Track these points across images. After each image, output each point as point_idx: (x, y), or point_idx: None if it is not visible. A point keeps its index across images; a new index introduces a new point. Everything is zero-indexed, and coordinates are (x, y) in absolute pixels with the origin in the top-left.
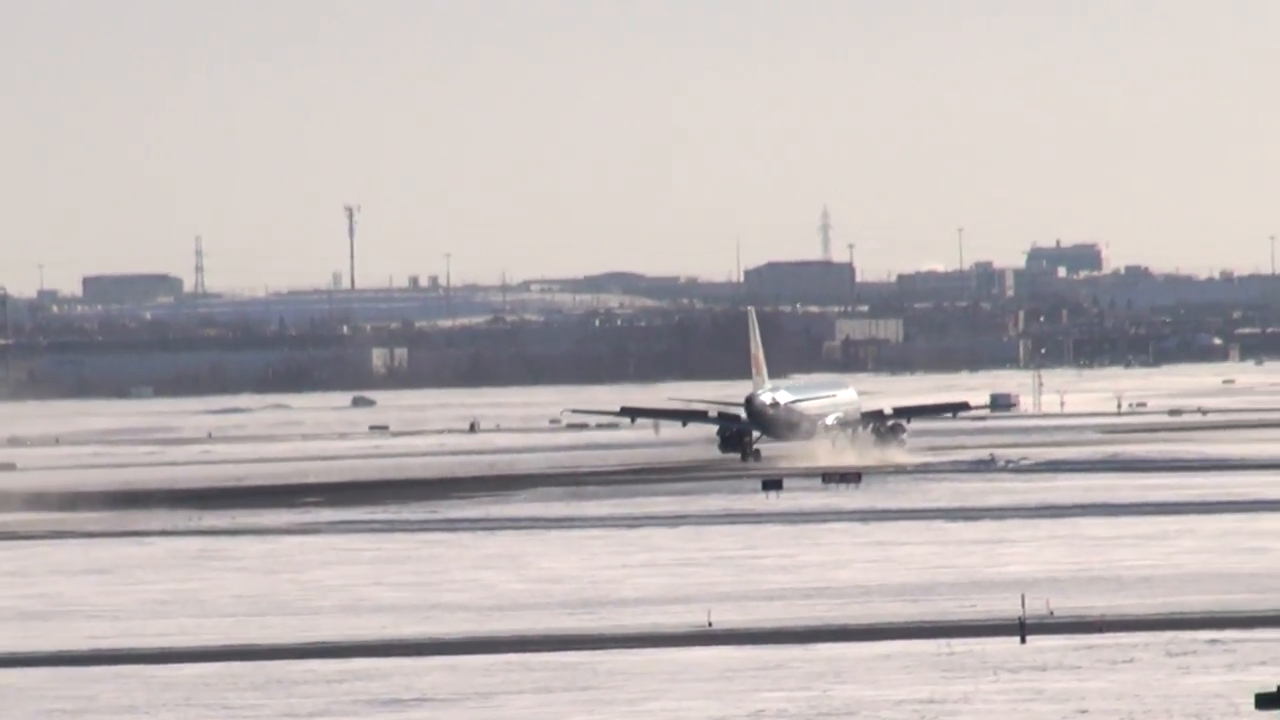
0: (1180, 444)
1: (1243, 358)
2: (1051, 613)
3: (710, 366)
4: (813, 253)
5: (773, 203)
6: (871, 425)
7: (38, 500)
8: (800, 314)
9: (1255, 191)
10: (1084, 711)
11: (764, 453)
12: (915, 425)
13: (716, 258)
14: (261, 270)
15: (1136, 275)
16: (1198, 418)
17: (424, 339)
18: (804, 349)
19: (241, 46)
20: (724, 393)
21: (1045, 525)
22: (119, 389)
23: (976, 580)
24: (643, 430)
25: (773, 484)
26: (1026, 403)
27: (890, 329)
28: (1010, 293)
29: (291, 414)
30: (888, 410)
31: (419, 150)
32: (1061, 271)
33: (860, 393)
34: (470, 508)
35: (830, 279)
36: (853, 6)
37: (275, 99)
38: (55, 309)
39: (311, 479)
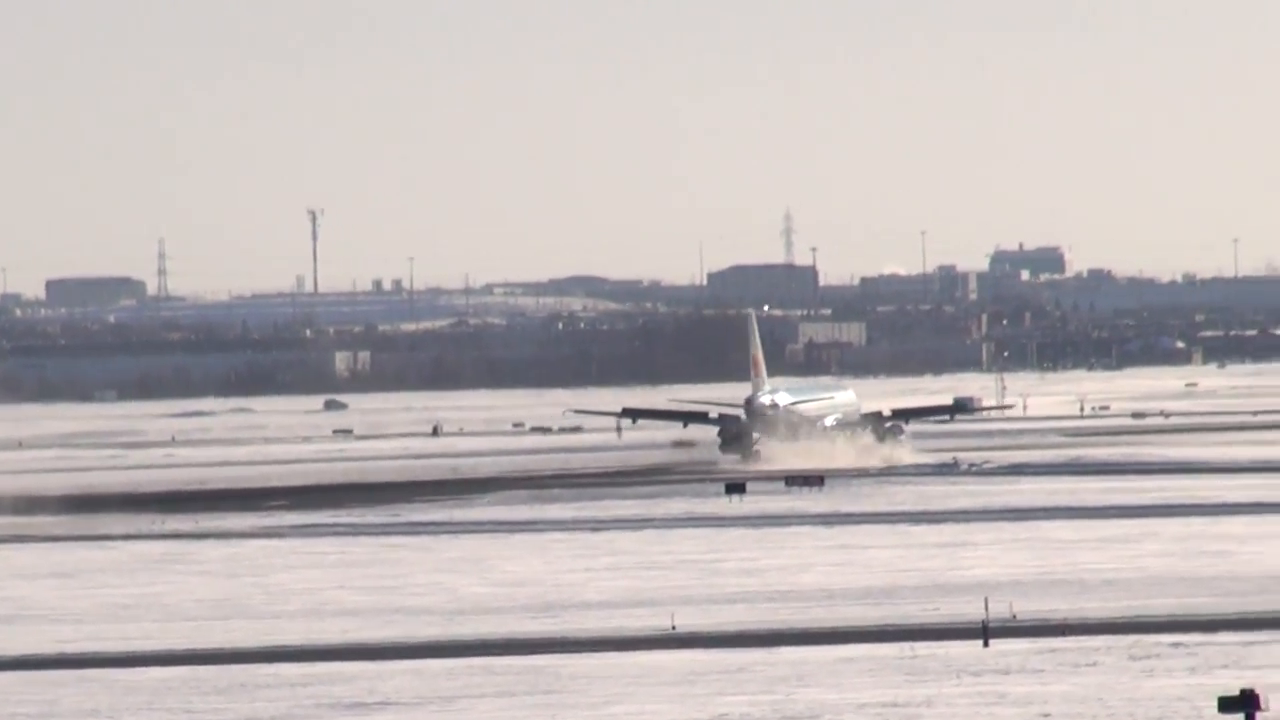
0: (1143, 447)
1: (1205, 361)
2: (1014, 616)
3: (674, 370)
4: (775, 256)
5: (736, 206)
6: (870, 427)
7: (0, 504)
8: (763, 317)
9: (1218, 195)
10: (1047, 715)
11: (763, 454)
12: (911, 427)
13: (679, 261)
14: (225, 274)
15: (1099, 278)
16: (1160, 421)
17: (387, 342)
18: (767, 352)
19: (205, 51)
20: (691, 396)
21: (1008, 528)
22: (82, 392)
23: (940, 583)
24: (606, 433)
25: (736, 487)
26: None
27: (853, 332)
28: (973, 296)
29: (255, 417)
30: (886, 412)
31: (382, 154)
32: (1024, 274)
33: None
34: (433, 511)
35: (793, 282)
36: (816, 12)
37: (238, 103)
38: (18, 312)
39: (275, 483)
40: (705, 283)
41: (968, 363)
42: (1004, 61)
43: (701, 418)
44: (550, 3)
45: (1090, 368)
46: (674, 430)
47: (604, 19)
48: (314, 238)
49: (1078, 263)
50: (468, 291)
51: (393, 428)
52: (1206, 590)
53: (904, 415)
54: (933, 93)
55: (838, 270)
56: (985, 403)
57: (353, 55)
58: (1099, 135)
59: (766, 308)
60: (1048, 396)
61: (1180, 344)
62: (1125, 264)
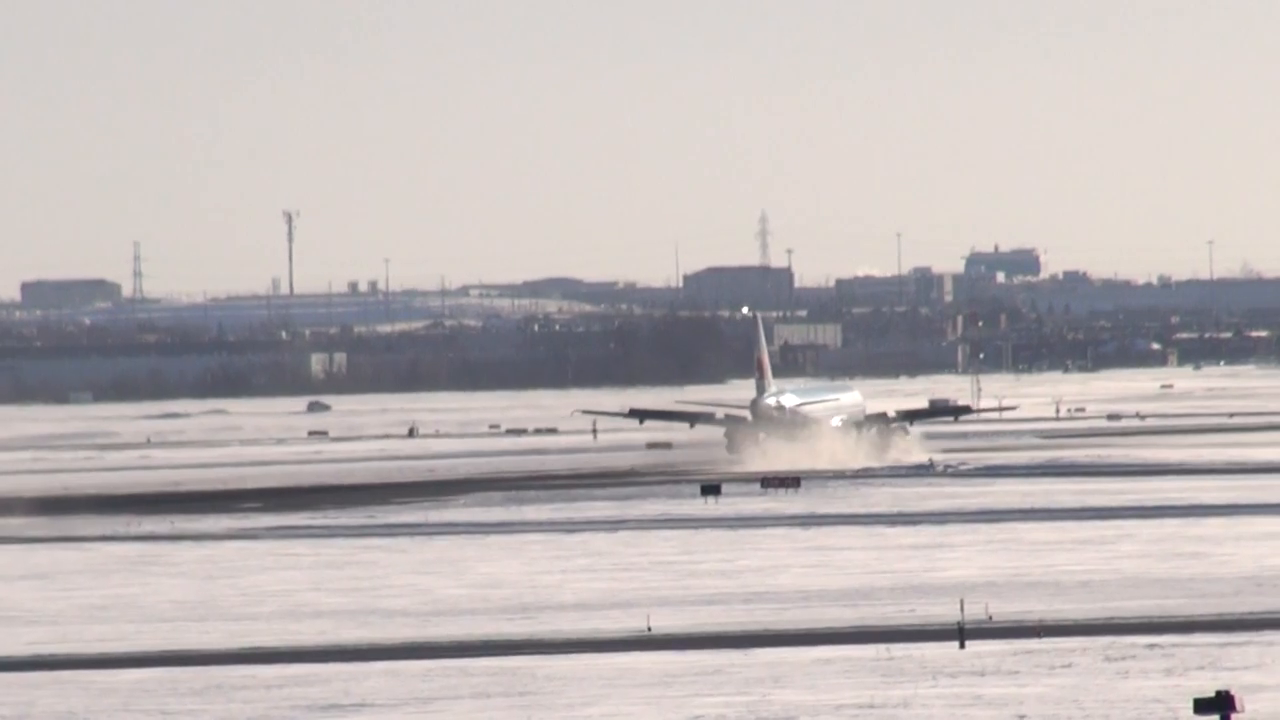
0: (1118, 449)
1: (1181, 363)
2: (990, 617)
3: (649, 372)
4: (751, 258)
5: (711, 208)
6: (875, 428)
7: None
8: (738, 319)
9: (1193, 197)
10: (1023, 716)
11: (769, 454)
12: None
13: (655, 263)
14: (200, 276)
15: (1075, 280)
16: (1136, 423)
17: (363, 344)
18: (742, 354)
19: (180, 54)
20: (669, 399)
21: (984, 530)
22: (58, 394)
23: (916, 585)
24: (582, 435)
25: (711, 489)
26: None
27: (829, 334)
28: (949, 298)
29: (230, 419)
30: (891, 413)
31: (357, 156)
32: (1000, 277)
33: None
34: (409, 513)
35: (768, 284)
36: (792, 15)
37: (214, 105)
38: None
39: (250, 484)
40: (681, 285)
41: (943, 365)
42: (980, 65)
43: (708, 419)
44: (526, 6)
45: (1066, 370)
46: (651, 433)
47: (580, 22)
48: (290, 240)
49: (1053, 265)
50: (443, 293)
51: (368, 429)
52: (1182, 592)
53: (909, 416)
54: (908, 95)
55: (813, 272)
56: (961, 403)
57: (328, 58)
58: (1074, 138)
59: (747, 309)
60: (1023, 398)
61: (1155, 346)
62: (1100, 266)
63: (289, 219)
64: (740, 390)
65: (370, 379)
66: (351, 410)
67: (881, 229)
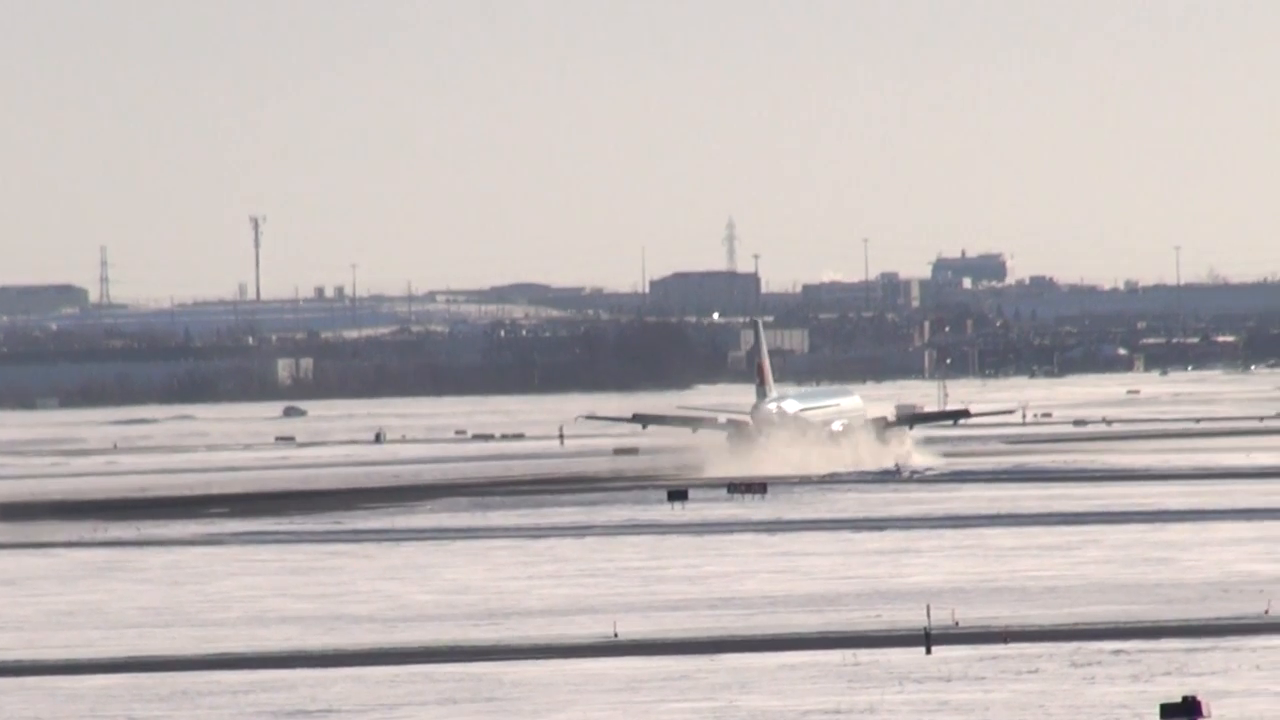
0: (1085, 454)
1: (1147, 368)
2: (957, 623)
3: (616, 378)
4: (718, 263)
5: (678, 214)
6: (876, 432)
7: None
8: (705, 324)
9: (1160, 203)
10: None
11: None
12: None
13: (622, 268)
14: (167, 281)
15: (1041, 286)
16: (1102, 428)
17: (330, 349)
18: (709, 359)
19: (146, 58)
20: (638, 405)
21: (951, 535)
22: (24, 400)
23: (882, 590)
24: (549, 440)
25: (678, 495)
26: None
27: (795, 339)
28: (915, 303)
29: (197, 424)
30: (891, 418)
31: (324, 161)
32: (966, 282)
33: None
34: (375, 519)
35: (735, 289)
36: (759, 21)
37: (181, 110)
38: None
39: (217, 490)
40: (647, 290)
41: (910, 370)
42: (946, 71)
43: (710, 424)
44: (492, 12)
45: (1032, 375)
46: (619, 438)
47: (546, 28)
48: (256, 245)
49: (1020, 270)
50: (410, 299)
51: (335, 435)
52: (1148, 597)
53: (908, 420)
54: (875, 101)
55: (780, 277)
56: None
57: (295, 63)
58: (1040, 143)
59: (717, 315)
60: (990, 404)
61: (1122, 351)
62: (1067, 271)
63: (256, 224)
64: (707, 396)
65: (337, 384)
66: (318, 416)
67: (848, 234)
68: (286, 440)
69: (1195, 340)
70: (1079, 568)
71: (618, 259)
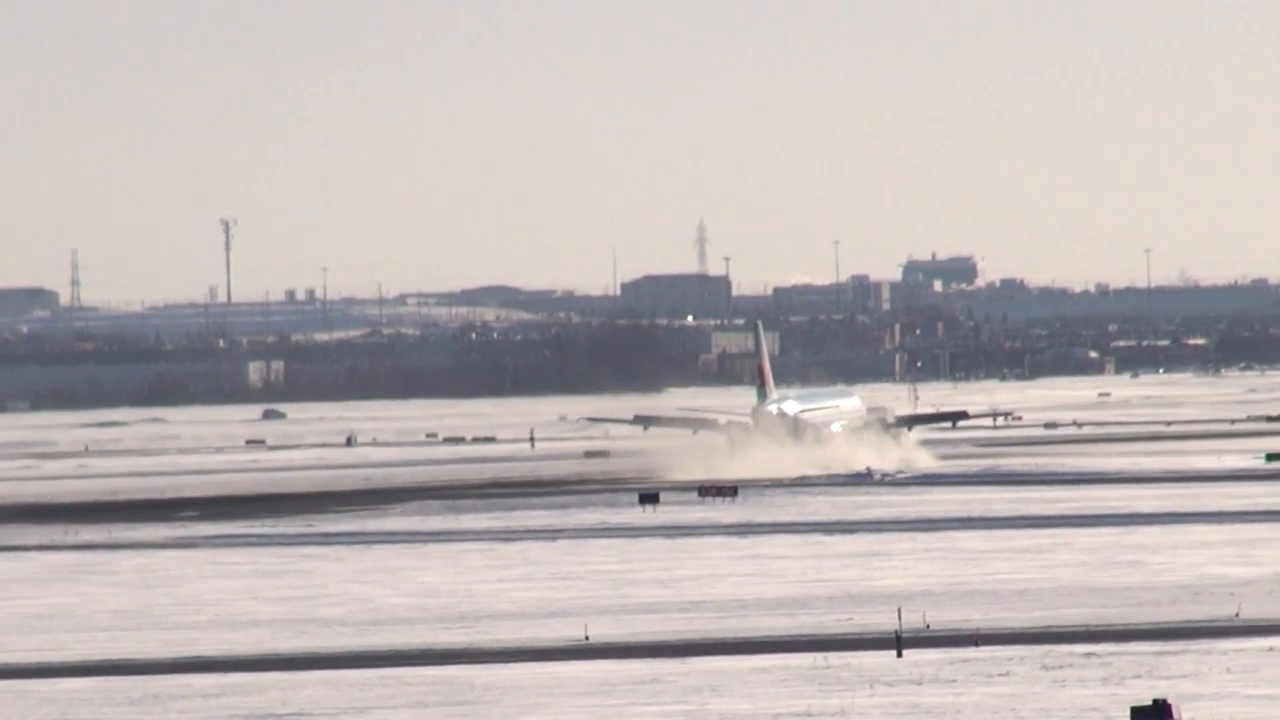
0: (1056, 457)
1: (1118, 371)
2: (928, 626)
3: (587, 380)
4: (689, 266)
5: (649, 216)
6: (874, 433)
7: None
8: (676, 327)
9: (1130, 205)
10: None
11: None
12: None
13: (593, 271)
14: (138, 284)
15: (1012, 288)
16: (1073, 431)
17: (301, 352)
18: (680, 362)
19: (116, 60)
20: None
21: (922, 538)
22: None
23: (853, 593)
24: (520, 443)
25: (649, 498)
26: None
27: (765, 342)
28: (886, 306)
29: (168, 428)
30: (890, 419)
31: (295, 164)
32: (937, 285)
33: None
34: (347, 522)
35: (706, 292)
36: (728, 22)
37: (151, 112)
38: None
39: (188, 493)
40: (619, 293)
41: (880, 373)
42: (917, 74)
43: (711, 425)
44: (461, 15)
45: (1003, 378)
46: (590, 441)
47: (516, 32)
48: (227, 248)
49: (990, 273)
50: (381, 301)
51: (306, 438)
52: (1119, 600)
53: (908, 422)
54: (845, 103)
55: (751, 280)
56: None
57: (265, 66)
58: (1011, 145)
59: (691, 318)
60: (961, 407)
61: (1093, 354)
62: (1038, 274)
63: (226, 227)
64: (678, 399)
65: (308, 388)
66: (292, 418)
67: (819, 237)
68: (257, 443)
69: (1166, 343)
70: (1050, 570)
71: (589, 261)
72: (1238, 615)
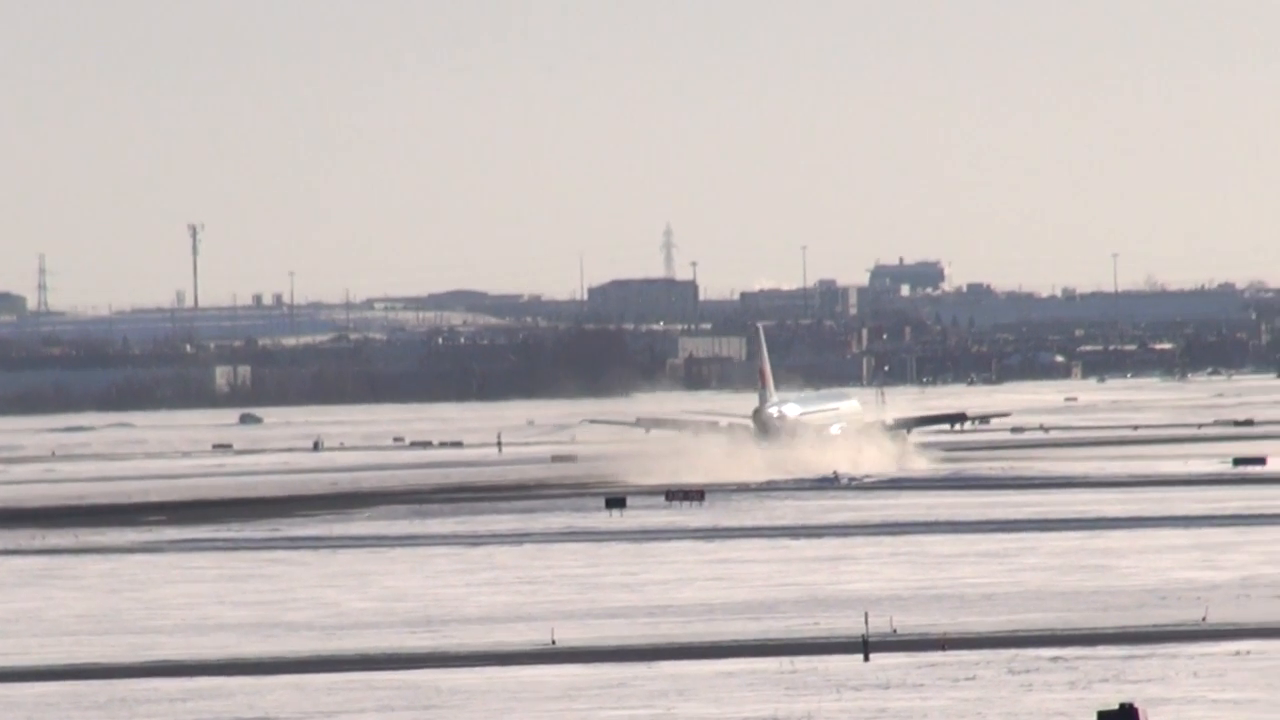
0: (1023, 461)
1: (1085, 375)
2: (895, 630)
3: (555, 385)
4: (656, 270)
5: (616, 220)
6: (876, 436)
7: None
8: (643, 332)
9: (1097, 210)
10: None
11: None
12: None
13: (560, 275)
14: (105, 289)
15: (979, 293)
16: (1040, 435)
17: (268, 357)
18: (647, 367)
19: (83, 63)
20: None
21: (888, 542)
22: None
23: (820, 598)
24: (487, 448)
25: (616, 502)
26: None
27: (733, 347)
28: (853, 310)
29: (135, 432)
30: (889, 422)
31: (262, 168)
32: (904, 289)
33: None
34: (313, 526)
35: (673, 297)
36: (695, 27)
37: (118, 116)
38: None
39: (154, 498)
40: (585, 297)
41: (847, 377)
42: (882, 78)
43: (712, 428)
44: (428, 18)
45: (970, 382)
46: (557, 446)
47: (482, 34)
48: (194, 252)
49: (957, 277)
50: (348, 306)
51: (273, 442)
52: (1085, 604)
53: (906, 424)
54: (812, 107)
55: (718, 285)
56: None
57: (231, 70)
58: (977, 150)
59: (663, 323)
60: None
61: (1060, 358)
62: (1005, 279)
63: (193, 232)
64: (645, 404)
65: (275, 392)
66: (265, 423)
67: (786, 242)
68: (224, 448)
69: (1133, 347)
70: (1017, 575)
71: (556, 266)
72: (1204, 619)
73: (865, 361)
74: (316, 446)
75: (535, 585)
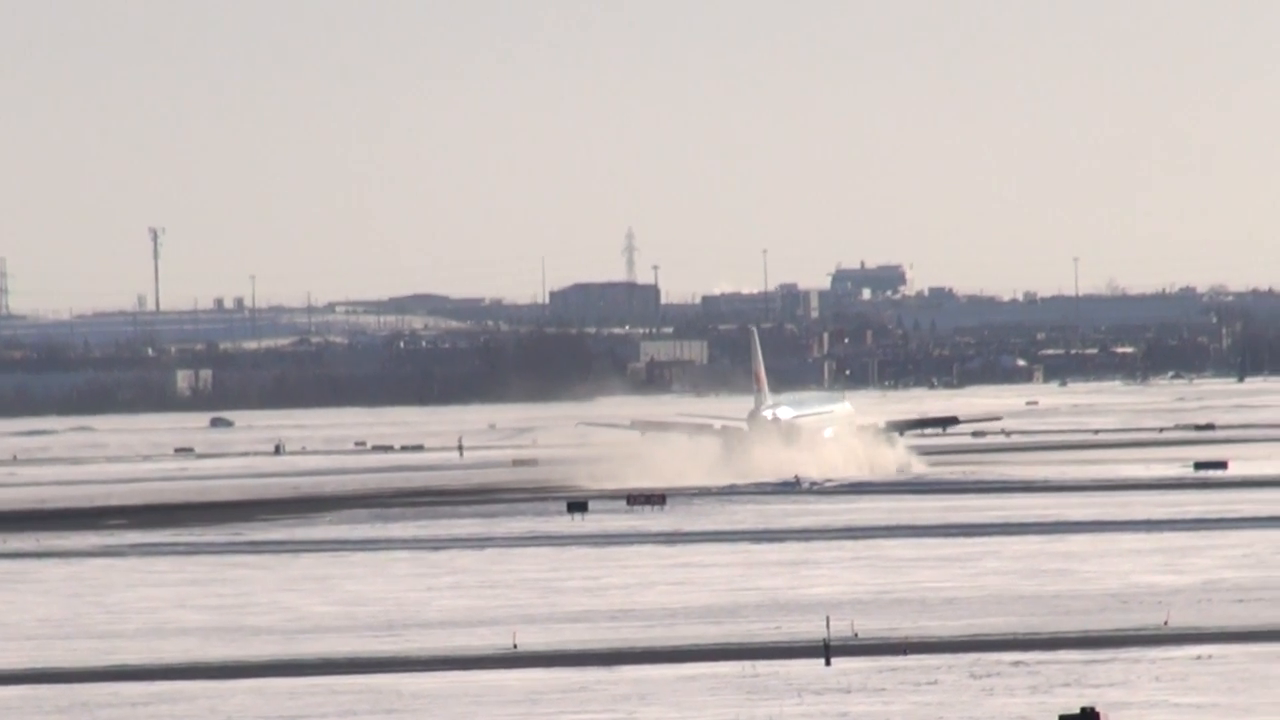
0: (984, 465)
1: (1046, 379)
2: (856, 634)
3: (516, 389)
4: (617, 274)
5: (577, 224)
6: (867, 438)
7: None
8: (605, 335)
9: (1058, 214)
10: None
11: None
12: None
13: (521, 279)
14: (66, 292)
15: (940, 296)
16: (1001, 439)
17: (229, 360)
18: (609, 370)
19: (42, 67)
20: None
21: (850, 547)
22: None
23: (781, 602)
24: (448, 452)
25: (578, 506)
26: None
27: (695, 350)
28: (814, 314)
29: (96, 436)
30: (881, 425)
31: (223, 172)
32: (866, 293)
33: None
34: (275, 530)
35: (635, 300)
36: (655, 30)
37: (79, 120)
38: None
39: (116, 501)
40: (547, 301)
41: (809, 381)
42: (844, 81)
43: (707, 430)
44: (389, 20)
45: (932, 386)
46: (518, 450)
47: (442, 36)
48: (155, 256)
49: (919, 281)
50: (310, 310)
51: (234, 446)
52: (1047, 608)
53: (899, 427)
54: (773, 110)
55: (679, 289)
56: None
57: (192, 73)
58: (940, 154)
59: (624, 327)
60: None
61: (1021, 362)
62: (966, 282)
63: (155, 235)
64: (606, 407)
65: (236, 396)
66: (207, 427)
67: (747, 245)
68: (185, 452)
69: (1094, 351)
70: (978, 579)
71: (517, 270)
72: (1166, 624)
73: (826, 365)
74: (278, 450)
75: (497, 589)
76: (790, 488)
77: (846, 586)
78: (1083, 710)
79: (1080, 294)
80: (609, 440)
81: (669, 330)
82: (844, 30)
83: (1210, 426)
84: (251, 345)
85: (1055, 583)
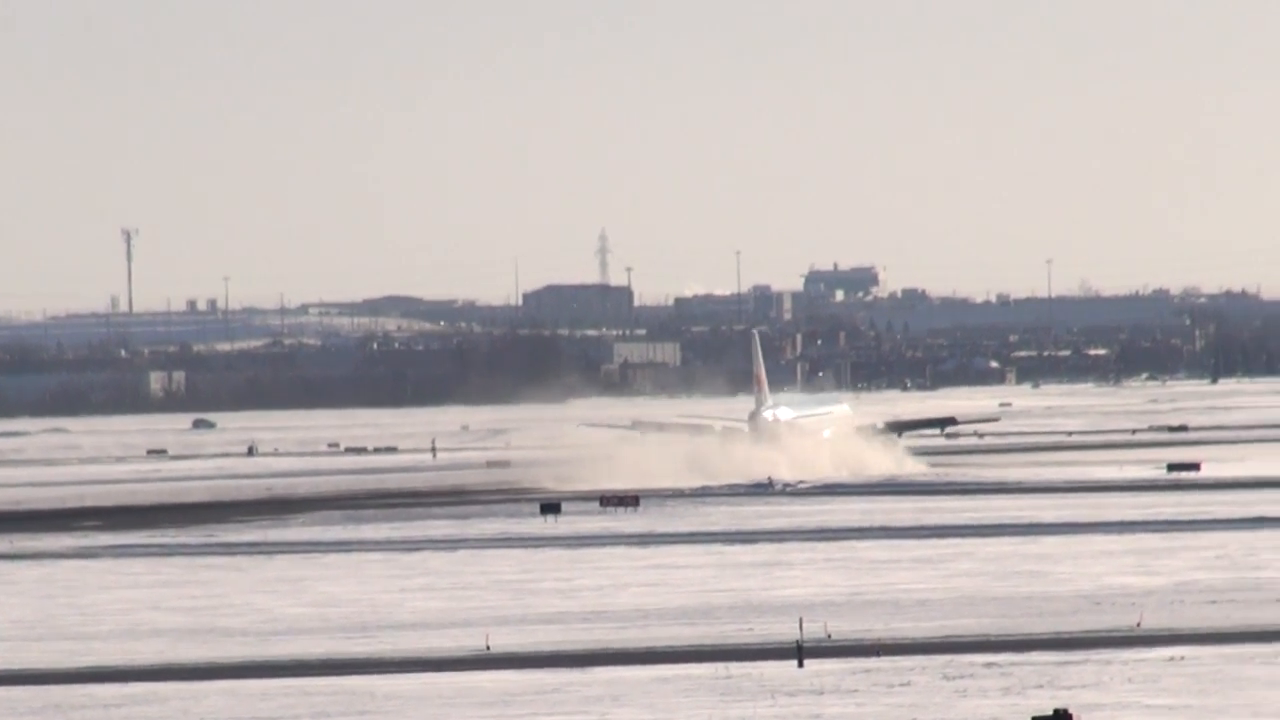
0: (957, 467)
1: (1019, 381)
2: (829, 636)
3: (489, 390)
4: (591, 276)
5: (551, 226)
6: (868, 439)
7: None
8: (578, 337)
9: (1031, 216)
10: None
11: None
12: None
13: (494, 281)
14: (39, 294)
15: (914, 298)
16: (974, 441)
17: (202, 362)
18: (582, 372)
19: (16, 69)
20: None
21: (823, 548)
22: None
23: (754, 603)
24: (421, 454)
25: (551, 507)
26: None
27: (668, 352)
28: (788, 316)
29: (69, 438)
30: (880, 425)
31: (196, 173)
32: (839, 295)
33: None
34: (248, 531)
35: (608, 302)
36: (629, 31)
37: (52, 121)
38: None
39: (89, 503)
40: (520, 303)
41: (782, 383)
42: (818, 82)
43: (708, 431)
44: (361, 24)
45: (905, 388)
46: (491, 451)
47: (415, 40)
48: (129, 258)
49: (892, 283)
50: (283, 311)
51: (207, 448)
52: (1020, 610)
53: (897, 428)
54: (747, 112)
55: (652, 290)
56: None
57: (166, 74)
58: (913, 156)
59: (597, 329)
60: (863, 418)
61: (994, 364)
62: (939, 284)
63: (128, 237)
64: (579, 409)
65: (209, 397)
66: (189, 429)
67: (720, 247)
68: (159, 453)
69: (1067, 353)
70: (951, 580)
71: (490, 271)
72: (1139, 625)
73: (799, 367)
74: (251, 452)
75: (470, 591)
76: (763, 489)
77: (819, 588)
78: (1055, 712)
79: (1053, 296)
80: (581, 441)
81: (642, 332)
82: (818, 33)
83: (1183, 428)
84: (225, 347)
85: (1028, 584)
